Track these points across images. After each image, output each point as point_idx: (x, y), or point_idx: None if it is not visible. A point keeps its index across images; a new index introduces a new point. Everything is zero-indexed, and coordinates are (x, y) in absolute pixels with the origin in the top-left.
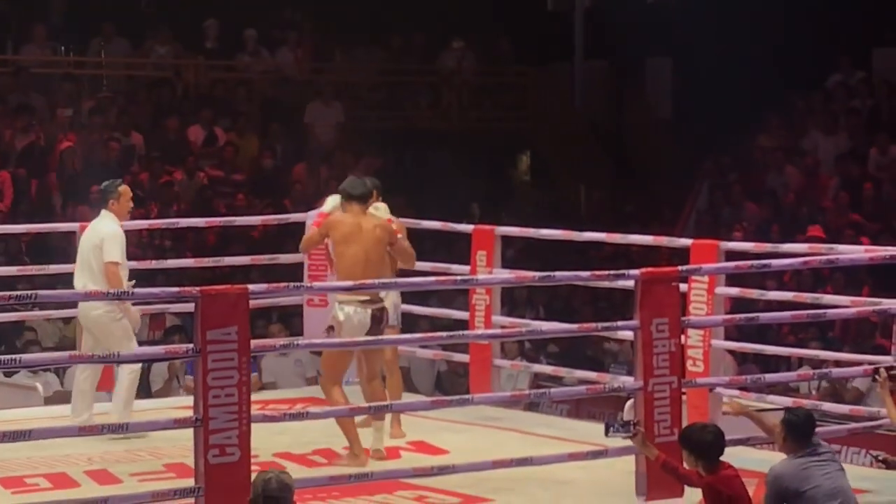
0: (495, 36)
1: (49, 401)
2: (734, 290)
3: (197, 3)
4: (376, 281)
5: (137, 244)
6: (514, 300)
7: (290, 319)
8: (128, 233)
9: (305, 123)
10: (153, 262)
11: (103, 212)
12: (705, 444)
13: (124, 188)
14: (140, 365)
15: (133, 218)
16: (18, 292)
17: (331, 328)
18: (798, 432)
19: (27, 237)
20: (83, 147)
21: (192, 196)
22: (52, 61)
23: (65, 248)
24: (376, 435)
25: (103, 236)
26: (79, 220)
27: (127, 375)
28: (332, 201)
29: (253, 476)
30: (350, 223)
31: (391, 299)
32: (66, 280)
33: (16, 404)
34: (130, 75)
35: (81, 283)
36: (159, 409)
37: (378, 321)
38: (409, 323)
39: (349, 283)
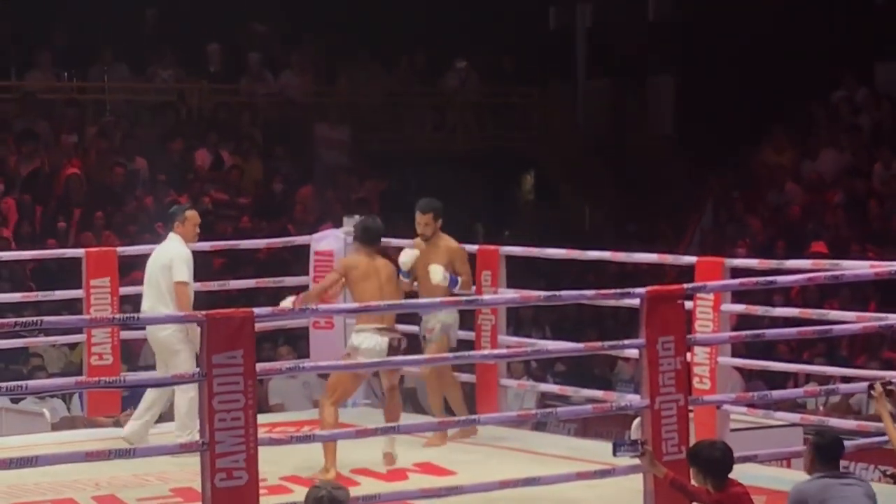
0: (498, 55)
1: (56, 426)
2: (739, 307)
3: (200, 27)
4: (382, 303)
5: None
6: (519, 319)
7: (296, 342)
8: (134, 257)
9: (311, 146)
10: None
11: (171, 234)
12: (714, 460)
13: (191, 212)
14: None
15: (137, 244)
16: (24, 318)
17: (347, 356)
18: (825, 454)
19: (32, 263)
20: (88, 172)
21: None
22: (56, 87)
23: (70, 273)
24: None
25: (172, 257)
26: (84, 245)
27: (187, 395)
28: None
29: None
30: (365, 263)
31: (440, 318)
32: (72, 306)
33: (23, 430)
34: (134, 100)
35: (149, 304)
36: (166, 433)
37: (395, 350)
38: (414, 344)
39: (355, 305)
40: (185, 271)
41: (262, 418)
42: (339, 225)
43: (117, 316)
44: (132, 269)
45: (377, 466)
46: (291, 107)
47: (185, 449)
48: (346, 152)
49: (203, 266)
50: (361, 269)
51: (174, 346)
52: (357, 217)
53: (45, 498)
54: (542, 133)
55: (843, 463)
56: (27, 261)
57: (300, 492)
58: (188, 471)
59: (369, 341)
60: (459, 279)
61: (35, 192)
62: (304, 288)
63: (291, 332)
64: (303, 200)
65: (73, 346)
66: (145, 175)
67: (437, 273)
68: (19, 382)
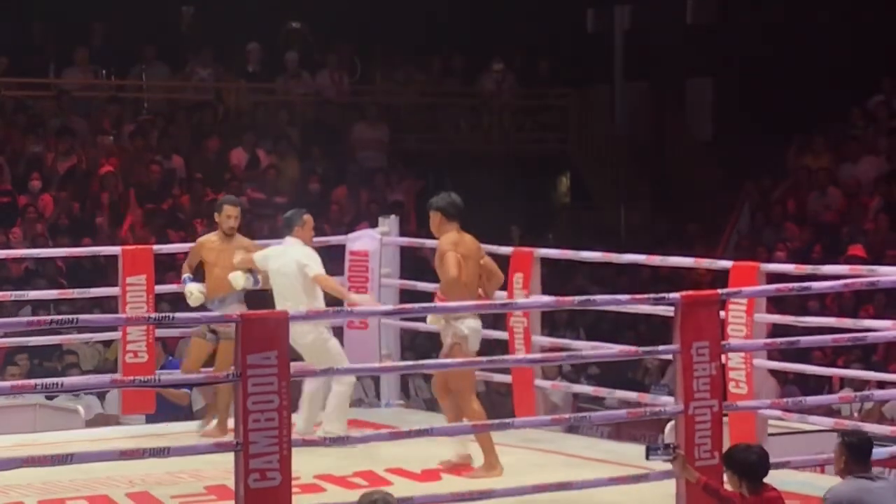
0: (535, 58)
1: (90, 423)
2: (774, 317)
3: (238, 26)
4: (417, 305)
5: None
6: (554, 321)
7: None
8: (170, 256)
9: (349, 145)
10: None
11: (290, 238)
12: (750, 464)
13: (308, 216)
14: (353, 379)
15: (175, 241)
16: (59, 315)
17: (457, 346)
18: (857, 454)
19: (66, 260)
20: (124, 170)
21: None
22: (94, 85)
23: (105, 271)
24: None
25: (299, 258)
26: (120, 243)
27: (339, 388)
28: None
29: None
30: (468, 239)
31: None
32: (107, 303)
33: (57, 427)
34: (172, 98)
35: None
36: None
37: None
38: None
39: (389, 307)
40: (318, 264)
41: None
42: (374, 225)
43: (153, 314)
44: (168, 268)
45: (411, 467)
46: (328, 106)
47: (219, 449)
48: (383, 153)
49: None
50: (467, 246)
51: (321, 348)
52: (392, 217)
53: (80, 494)
54: (579, 135)
55: (878, 469)
56: (61, 258)
57: (333, 491)
58: (222, 469)
59: (473, 324)
60: (259, 277)
61: (72, 190)
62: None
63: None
64: (338, 200)
65: (107, 343)
66: (182, 174)
67: (238, 280)
68: (54, 379)
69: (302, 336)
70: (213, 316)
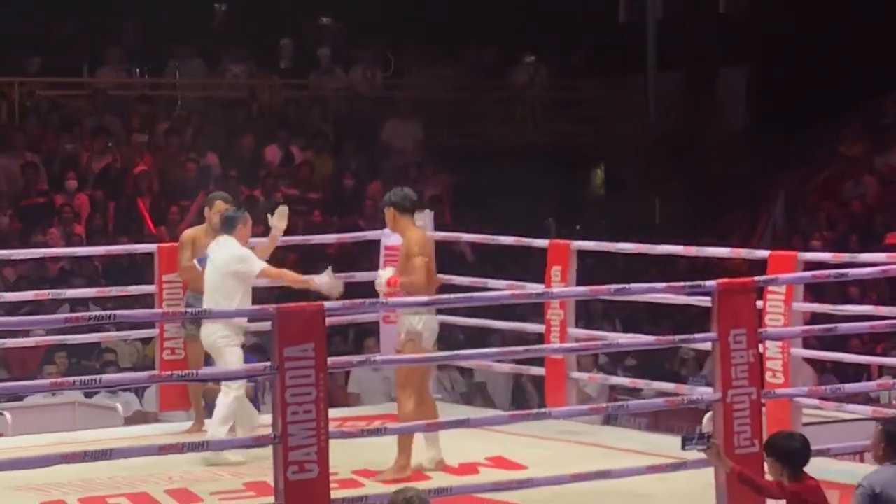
0: (567, 50)
1: (129, 421)
2: (812, 306)
3: (271, 23)
4: (453, 296)
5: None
6: (590, 313)
7: (369, 336)
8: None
9: (383, 140)
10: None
11: (226, 237)
12: (792, 451)
13: (249, 218)
14: (242, 390)
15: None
16: (96, 312)
17: (410, 342)
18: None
19: (103, 259)
20: (159, 168)
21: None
22: (128, 83)
23: (142, 269)
24: (435, 445)
25: (228, 259)
26: (157, 241)
27: (223, 399)
28: (386, 274)
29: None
30: (428, 237)
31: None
32: (145, 301)
33: (96, 424)
34: (205, 96)
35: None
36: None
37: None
38: (483, 338)
39: (425, 297)
40: (255, 260)
41: (334, 412)
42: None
43: (189, 310)
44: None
45: (449, 460)
46: (361, 102)
47: (258, 443)
48: (416, 147)
49: (275, 261)
50: (424, 244)
51: (221, 351)
52: (427, 212)
53: (120, 492)
54: (613, 127)
55: None
56: (98, 256)
57: (371, 486)
58: (261, 465)
59: (431, 323)
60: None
61: (107, 189)
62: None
63: (361, 327)
64: (373, 195)
65: (146, 340)
66: (216, 171)
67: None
68: (92, 377)
69: (207, 335)
70: (249, 311)
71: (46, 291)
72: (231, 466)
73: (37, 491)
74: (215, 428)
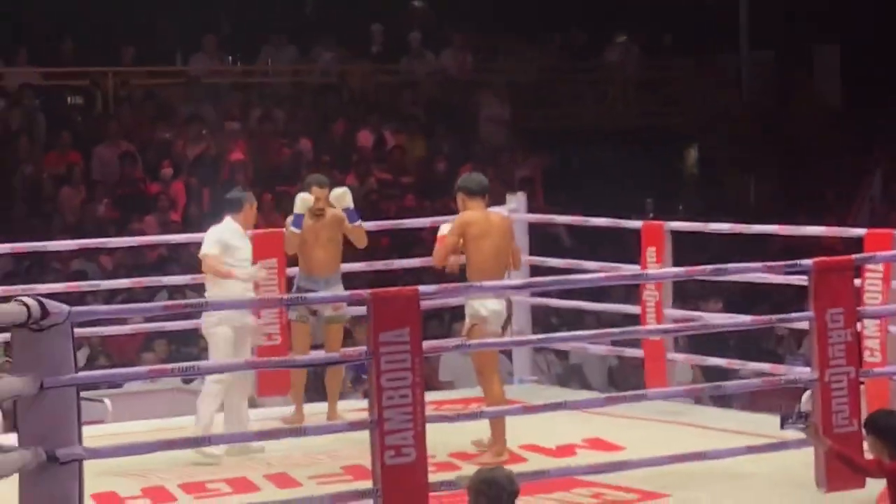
0: (659, 29)
1: None
2: None
3: (362, 8)
4: (548, 279)
5: None
6: (686, 294)
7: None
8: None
9: (474, 123)
10: None
11: (227, 218)
12: (892, 429)
13: (254, 201)
14: (217, 386)
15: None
16: (193, 300)
17: (474, 327)
18: None
19: (198, 246)
20: (253, 155)
21: (360, 200)
22: (221, 71)
23: None
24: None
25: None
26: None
27: (203, 389)
28: (447, 227)
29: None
30: (483, 218)
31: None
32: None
33: (195, 411)
34: (297, 82)
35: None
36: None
37: (509, 313)
38: (578, 319)
39: (519, 281)
40: (213, 245)
41: (430, 395)
42: (500, 203)
43: (285, 296)
44: None
45: (545, 442)
46: (452, 85)
47: (355, 427)
48: (508, 130)
49: (369, 246)
50: (480, 225)
51: (210, 336)
52: (519, 194)
53: (219, 477)
54: (705, 107)
55: None
56: (195, 243)
57: (468, 469)
58: (358, 449)
59: (495, 306)
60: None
61: (202, 176)
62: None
63: (457, 311)
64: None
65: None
66: (309, 156)
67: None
68: (190, 363)
69: (203, 319)
70: (342, 296)
71: (143, 279)
72: (329, 450)
73: (137, 477)
74: (205, 425)
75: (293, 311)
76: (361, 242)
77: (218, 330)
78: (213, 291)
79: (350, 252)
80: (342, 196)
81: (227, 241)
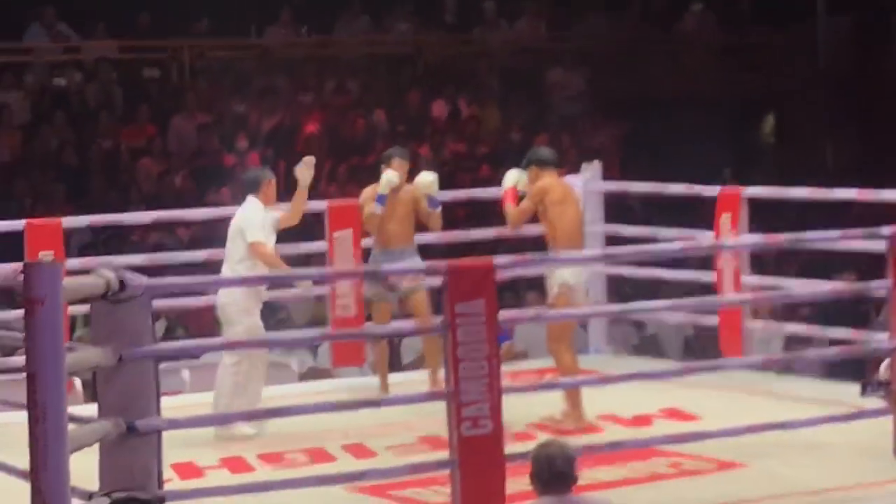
0: None
1: (303, 377)
2: None
3: None
4: (624, 249)
5: None
6: (763, 262)
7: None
8: None
9: (549, 92)
10: None
11: (251, 198)
12: None
13: (273, 178)
14: (239, 360)
15: None
16: (270, 273)
17: (562, 296)
18: None
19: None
20: (327, 127)
21: (434, 171)
22: (296, 43)
23: (312, 226)
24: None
25: (242, 221)
26: (323, 198)
27: (227, 367)
28: (514, 176)
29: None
30: (561, 185)
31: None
32: (317, 259)
33: (271, 382)
34: (371, 53)
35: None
36: (411, 382)
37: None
38: (653, 288)
39: (595, 251)
40: (262, 231)
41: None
42: (576, 172)
43: (359, 268)
44: None
45: (622, 412)
46: (527, 54)
47: (431, 398)
48: (583, 98)
49: (445, 216)
50: (558, 192)
51: (231, 318)
52: (595, 163)
53: (297, 447)
54: (783, 74)
55: None
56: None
57: (545, 439)
58: (433, 419)
59: (579, 276)
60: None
61: (277, 147)
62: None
63: (532, 283)
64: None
65: (319, 298)
66: (384, 128)
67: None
68: (267, 335)
69: (223, 296)
70: (419, 267)
71: (220, 251)
72: (404, 420)
73: (215, 447)
74: (226, 404)
75: (369, 291)
76: (436, 227)
77: (245, 320)
78: (251, 269)
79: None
80: (431, 184)
81: (270, 225)
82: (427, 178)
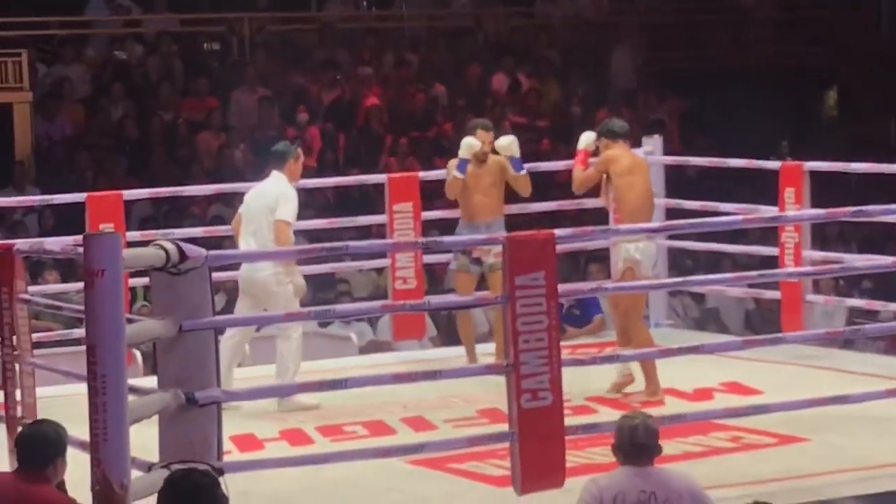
0: None
1: (363, 350)
2: None
3: None
4: (684, 222)
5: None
6: (825, 236)
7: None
8: (436, 183)
9: (609, 66)
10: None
11: (276, 173)
12: None
13: (300, 152)
14: (300, 331)
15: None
16: (330, 244)
17: (629, 270)
18: None
19: (334, 190)
20: (387, 100)
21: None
22: (355, 16)
23: (372, 199)
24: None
25: (277, 195)
26: (384, 171)
27: (282, 345)
28: (587, 138)
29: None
30: (629, 156)
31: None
32: (376, 232)
33: (331, 354)
34: (431, 26)
35: (245, 244)
36: (479, 354)
37: (656, 254)
38: (714, 262)
39: (656, 224)
40: (292, 210)
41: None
42: (637, 145)
43: (420, 240)
44: (434, 195)
45: (683, 386)
46: (587, 28)
47: (490, 371)
48: (643, 72)
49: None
50: (625, 162)
51: (271, 288)
52: (655, 137)
53: (356, 419)
54: (844, 46)
55: None
56: (331, 188)
57: (605, 412)
58: (492, 392)
59: (649, 248)
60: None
61: (337, 121)
62: (603, 211)
63: (593, 255)
64: (601, 122)
65: (379, 270)
66: (444, 101)
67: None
68: (327, 307)
69: (255, 270)
70: (479, 239)
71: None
72: (462, 393)
73: (274, 419)
74: (289, 376)
75: (454, 262)
76: (526, 190)
77: (284, 289)
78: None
79: None
80: (510, 144)
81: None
82: (505, 141)
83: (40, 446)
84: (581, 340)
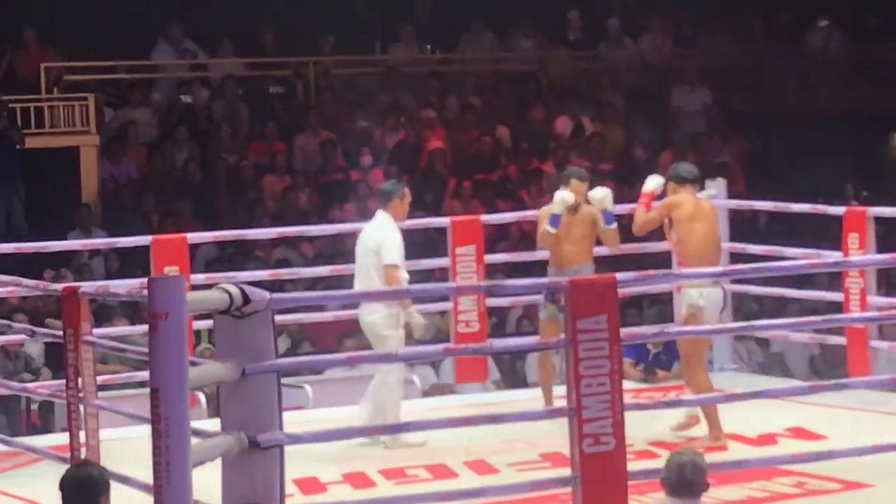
0: (863, 12)
1: (426, 393)
2: None
3: None
4: (748, 266)
5: (509, 237)
6: (891, 281)
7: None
8: (499, 227)
9: (673, 109)
10: (524, 254)
11: (381, 213)
12: None
13: (407, 191)
14: (398, 372)
15: (503, 211)
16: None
17: (692, 316)
18: None
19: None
20: (451, 143)
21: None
22: (419, 60)
23: (434, 242)
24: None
25: (380, 239)
26: (447, 214)
27: (377, 388)
28: (654, 181)
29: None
30: (692, 202)
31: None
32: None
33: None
34: (495, 70)
35: (356, 286)
36: (534, 398)
37: (724, 300)
38: (779, 307)
39: (717, 269)
40: (397, 253)
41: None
42: (700, 189)
43: (483, 283)
44: (498, 238)
45: (747, 431)
46: (651, 71)
47: (552, 415)
48: (707, 115)
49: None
50: (688, 208)
51: (380, 332)
52: (719, 180)
53: (419, 463)
54: None
55: None
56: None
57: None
58: (555, 436)
59: (713, 295)
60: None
61: (401, 164)
62: (668, 255)
63: (655, 298)
64: (664, 165)
65: (442, 313)
66: (507, 144)
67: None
68: (389, 352)
69: (368, 312)
70: (542, 283)
71: (343, 266)
72: (526, 437)
73: (338, 463)
74: (381, 415)
75: (542, 311)
76: (615, 244)
77: (395, 332)
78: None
79: None
80: (604, 198)
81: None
82: (600, 194)
83: (85, 488)
84: (672, 383)
